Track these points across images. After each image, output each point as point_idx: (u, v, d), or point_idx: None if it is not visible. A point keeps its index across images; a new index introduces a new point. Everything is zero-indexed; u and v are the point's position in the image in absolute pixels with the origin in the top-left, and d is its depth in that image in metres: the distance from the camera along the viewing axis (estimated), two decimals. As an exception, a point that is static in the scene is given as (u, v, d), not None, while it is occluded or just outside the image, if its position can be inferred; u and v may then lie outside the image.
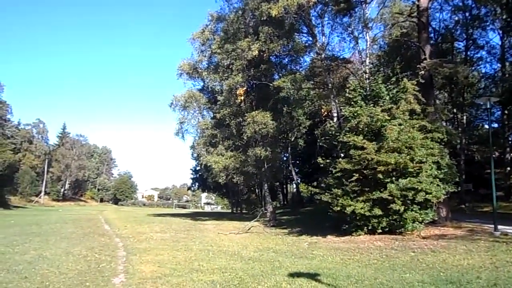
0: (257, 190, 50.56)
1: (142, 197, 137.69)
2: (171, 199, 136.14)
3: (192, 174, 59.13)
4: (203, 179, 48.33)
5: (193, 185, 62.78)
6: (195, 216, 42.53)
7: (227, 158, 28.56)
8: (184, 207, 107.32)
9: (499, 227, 14.98)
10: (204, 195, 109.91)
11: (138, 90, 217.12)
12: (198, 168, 51.02)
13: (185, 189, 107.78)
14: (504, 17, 27.52)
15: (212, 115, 33.54)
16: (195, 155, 43.26)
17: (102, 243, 16.49)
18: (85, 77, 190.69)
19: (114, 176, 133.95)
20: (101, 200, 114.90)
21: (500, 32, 31.78)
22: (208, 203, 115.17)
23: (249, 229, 22.87)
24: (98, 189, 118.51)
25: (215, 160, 28.43)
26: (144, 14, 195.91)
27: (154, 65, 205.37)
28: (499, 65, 34.14)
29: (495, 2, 28.44)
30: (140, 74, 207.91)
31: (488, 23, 32.30)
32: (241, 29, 29.46)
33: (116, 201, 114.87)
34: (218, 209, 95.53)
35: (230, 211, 61.32)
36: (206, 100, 33.92)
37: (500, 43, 32.58)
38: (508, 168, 33.05)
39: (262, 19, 25.63)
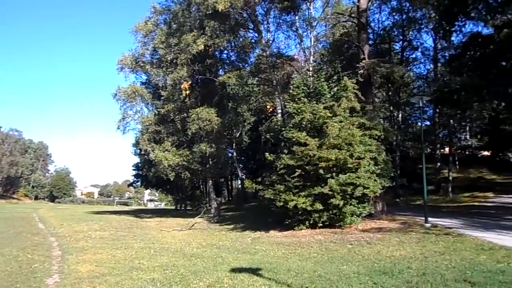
0: (201, 186, 50.14)
1: (81, 194, 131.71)
2: (112, 196, 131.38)
3: (134, 170, 57.57)
4: (146, 175, 47.14)
5: (136, 182, 61.17)
6: (137, 213, 41.42)
7: (175, 155, 28.02)
8: (126, 204, 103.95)
9: (430, 219, 16.00)
10: (147, 191, 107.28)
11: (78, 83, 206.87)
12: (140, 164, 49.68)
13: (127, 186, 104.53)
14: (437, 19, 29.22)
15: (156, 111, 32.68)
16: (137, 151, 41.99)
17: (36, 243, 15.62)
18: (20, 69, 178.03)
19: (51, 172, 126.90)
20: (36, 198, 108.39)
21: (433, 34, 33.79)
22: (151, 200, 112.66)
23: (192, 226, 22.67)
24: (33, 186, 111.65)
25: (165, 156, 27.72)
26: (84, 5, 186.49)
27: (96, 56, 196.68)
28: (432, 65, 36.37)
29: (428, 5, 30.09)
30: (80, 65, 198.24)
31: (422, 26, 34.23)
32: (186, 23, 28.94)
33: (52, 198, 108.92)
34: (162, 206, 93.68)
35: (174, 207, 60.32)
36: (150, 96, 32.98)
37: (433, 45, 34.70)
38: (439, 164, 35.35)
39: (208, 12, 25.42)
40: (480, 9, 20.00)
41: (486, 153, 47.85)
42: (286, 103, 20.47)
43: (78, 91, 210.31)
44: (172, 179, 29.30)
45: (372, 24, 33.74)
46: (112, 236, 18.71)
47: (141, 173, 54.29)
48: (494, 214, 20.52)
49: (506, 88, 17.36)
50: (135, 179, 60.57)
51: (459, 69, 20.27)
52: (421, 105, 18.21)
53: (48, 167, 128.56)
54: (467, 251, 10.20)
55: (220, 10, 23.71)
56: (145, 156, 31.92)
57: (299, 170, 16.49)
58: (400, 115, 37.09)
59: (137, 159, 52.75)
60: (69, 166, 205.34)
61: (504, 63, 18.07)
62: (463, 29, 22.63)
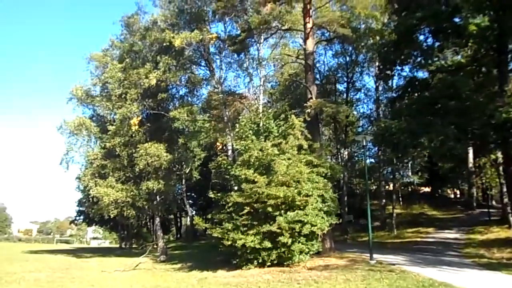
0: (148, 223, 48.48)
1: (18, 232, 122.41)
2: (52, 233, 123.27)
3: (77, 207, 54.73)
4: (89, 212, 44.96)
5: (78, 218, 58.17)
6: (78, 252, 39.07)
7: (118, 191, 27.01)
8: (67, 242, 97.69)
9: (375, 255, 16.35)
10: (90, 229, 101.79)
11: (18, 112, 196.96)
12: (84, 200, 47.36)
13: (69, 223, 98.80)
14: (377, 64, 31.02)
15: (102, 145, 31.59)
16: (81, 187, 40.08)
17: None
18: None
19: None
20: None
21: (374, 76, 35.77)
22: (95, 238, 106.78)
23: (136, 266, 21.64)
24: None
25: (106, 192, 26.60)
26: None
27: (38, 82, 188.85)
28: (374, 106, 38.23)
29: (371, 50, 31.99)
30: (20, 94, 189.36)
31: (364, 68, 36.24)
32: (140, 56, 28.99)
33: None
34: (106, 244, 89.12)
35: (118, 246, 57.62)
36: (98, 129, 31.94)
37: (374, 86, 36.64)
38: (384, 200, 36.48)
39: (164, 45, 25.75)
40: (416, 55, 21.53)
41: (426, 189, 50.31)
42: (234, 141, 20.59)
43: (16, 122, 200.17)
44: (113, 216, 28.25)
45: (318, 65, 35.21)
46: (47, 278, 17.56)
47: (84, 209, 51.78)
48: (435, 249, 21.34)
49: (438, 135, 18.36)
50: (77, 215, 57.66)
51: (399, 112, 21.45)
52: (364, 144, 18.94)
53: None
54: (409, 288, 10.42)
55: (176, 45, 24.13)
56: (88, 192, 30.53)
57: (248, 208, 16.40)
58: (346, 153, 38.24)
59: (80, 195, 50.38)
60: (5, 201, 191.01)
61: (439, 106, 19.27)
62: (401, 72, 24.22)
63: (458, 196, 52.16)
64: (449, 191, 54.50)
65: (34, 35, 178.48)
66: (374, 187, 39.79)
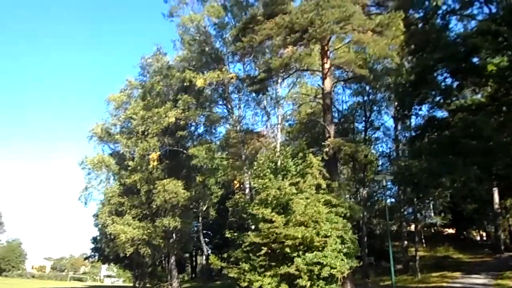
0: (163, 262, 48.03)
1: (32, 268, 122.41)
2: (66, 270, 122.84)
3: (92, 244, 54.95)
4: (104, 249, 44.98)
5: (92, 256, 58.22)
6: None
7: (134, 228, 27.17)
8: (80, 280, 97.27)
9: (398, 301, 15.77)
10: (104, 266, 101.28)
11: (36, 148, 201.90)
12: (100, 237, 47.55)
13: (83, 259, 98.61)
14: (396, 104, 31.15)
15: (120, 182, 32.08)
16: (98, 224, 40.41)
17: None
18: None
19: (1, 242, 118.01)
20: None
21: (393, 116, 35.72)
22: (108, 276, 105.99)
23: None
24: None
25: (123, 230, 26.78)
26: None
27: (58, 117, 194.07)
28: (393, 144, 37.95)
29: (388, 89, 32.20)
30: (40, 127, 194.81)
31: (382, 107, 36.28)
32: (160, 95, 29.86)
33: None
34: (120, 282, 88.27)
35: (132, 285, 57.06)
36: (117, 167, 32.61)
37: (393, 125, 36.53)
38: (406, 242, 35.44)
39: (183, 85, 26.52)
40: (434, 95, 21.60)
41: (451, 230, 48.71)
42: (252, 179, 20.64)
43: (32, 158, 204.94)
44: (128, 254, 28.21)
45: (336, 104, 35.42)
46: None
47: (99, 246, 51.94)
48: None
49: (460, 175, 18.11)
50: (92, 252, 57.82)
51: (419, 152, 21.30)
52: (384, 183, 18.76)
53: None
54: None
55: (198, 85, 24.86)
56: (104, 229, 30.74)
57: (265, 248, 16.17)
58: (365, 192, 37.62)
59: (97, 232, 50.67)
60: (20, 236, 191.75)
61: (460, 146, 19.07)
62: (420, 112, 24.25)
63: (485, 238, 50.35)
64: (474, 233, 52.67)
65: (53, 70, 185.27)
66: (395, 227, 38.84)
